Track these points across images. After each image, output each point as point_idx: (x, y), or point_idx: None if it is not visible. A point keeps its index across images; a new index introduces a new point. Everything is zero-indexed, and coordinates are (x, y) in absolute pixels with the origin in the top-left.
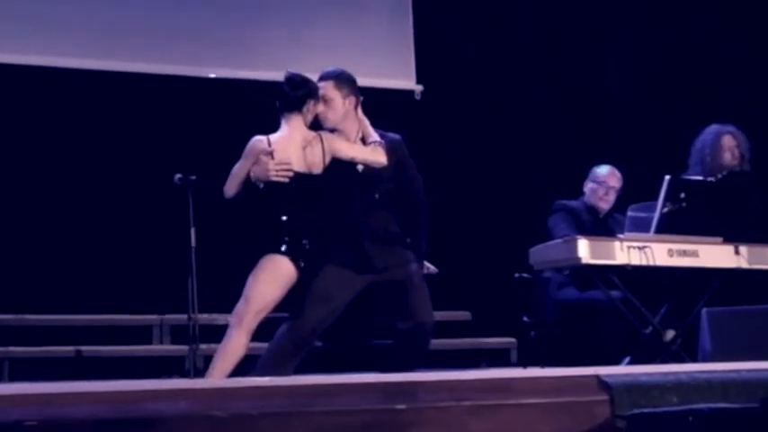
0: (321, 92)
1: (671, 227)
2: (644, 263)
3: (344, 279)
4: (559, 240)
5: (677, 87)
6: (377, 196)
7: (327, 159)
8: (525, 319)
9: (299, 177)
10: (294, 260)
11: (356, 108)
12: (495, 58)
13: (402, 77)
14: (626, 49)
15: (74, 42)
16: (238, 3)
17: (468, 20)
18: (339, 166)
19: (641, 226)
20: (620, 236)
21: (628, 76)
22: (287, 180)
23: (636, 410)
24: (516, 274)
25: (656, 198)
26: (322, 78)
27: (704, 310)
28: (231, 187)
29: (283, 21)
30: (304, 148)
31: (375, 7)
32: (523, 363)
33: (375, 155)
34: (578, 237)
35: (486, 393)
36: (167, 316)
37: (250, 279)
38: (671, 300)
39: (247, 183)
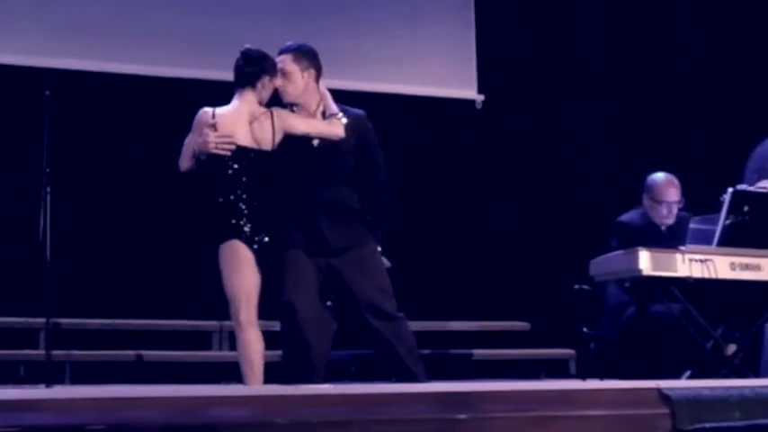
0: (279, 66)
1: (734, 239)
2: (706, 275)
3: (305, 261)
4: (620, 252)
5: (739, 95)
6: (334, 171)
7: (278, 136)
8: (585, 330)
9: (245, 152)
10: (247, 243)
11: (317, 81)
12: (557, 68)
13: (463, 87)
14: (689, 58)
15: (121, 47)
16: (299, 12)
17: (530, 30)
18: (294, 142)
19: (704, 238)
20: (682, 248)
21: (689, 85)
22: (228, 153)
23: (697, 425)
24: (576, 286)
25: (717, 209)
26: (281, 52)
27: (767, 325)
28: (183, 161)
29: (346, 31)
30: (251, 122)
31: (437, 17)
32: (582, 374)
33: (331, 128)
34: (639, 248)
35: (547, 404)
36: (227, 322)
37: (223, 279)
38: (733, 313)
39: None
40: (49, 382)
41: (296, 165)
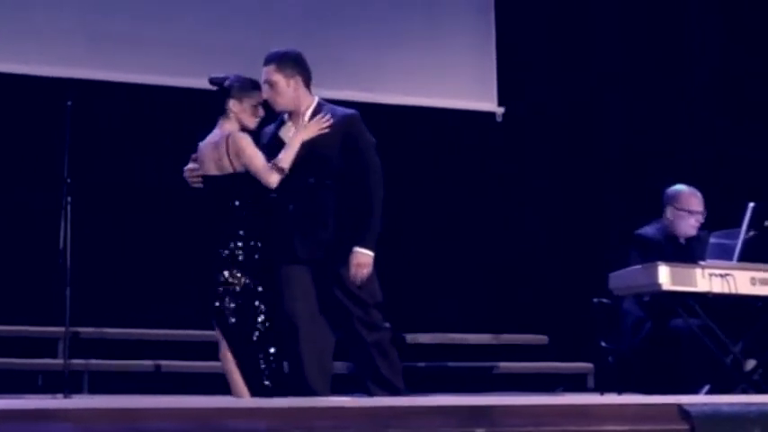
0: (264, 77)
1: (754, 254)
2: (725, 290)
3: (291, 275)
4: (639, 267)
5: (760, 110)
6: (311, 181)
7: (236, 160)
8: (603, 344)
9: (209, 180)
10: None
11: (307, 85)
12: (578, 80)
13: (484, 99)
14: (710, 70)
15: (158, 60)
16: (321, 24)
17: (551, 42)
18: (278, 150)
19: (724, 253)
20: (702, 262)
21: (711, 99)
22: (199, 185)
23: None
24: (595, 299)
25: (737, 224)
26: (265, 63)
27: None
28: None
29: (366, 43)
30: (215, 150)
31: (457, 29)
32: (600, 388)
33: (266, 174)
34: (659, 263)
35: (566, 419)
36: None
37: None
38: (752, 329)
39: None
40: (68, 391)
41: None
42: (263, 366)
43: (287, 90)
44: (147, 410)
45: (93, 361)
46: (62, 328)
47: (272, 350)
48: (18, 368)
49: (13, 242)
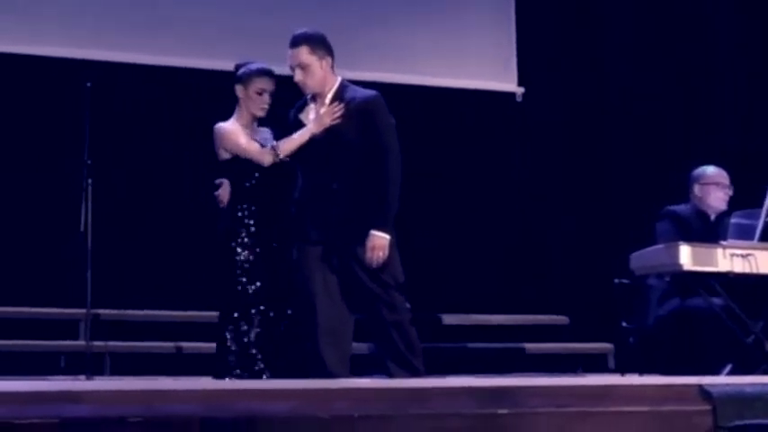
0: (296, 60)
1: None
2: (747, 270)
3: (308, 257)
4: (661, 246)
5: None
6: (335, 161)
7: (222, 151)
8: (624, 324)
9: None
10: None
11: (332, 67)
12: (597, 60)
13: (504, 80)
14: (730, 54)
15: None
16: (339, 5)
17: (570, 21)
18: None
19: (745, 233)
20: (723, 243)
21: (732, 80)
22: None
23: (738, 422)
24: (616, 280)
25: (760, 204)
26: (294, 45)
27: None
28: None
29: (385, 23)
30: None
31: (477, 10)
32: (621, 369)
33: (260, 154)
34: (680, 243)
35: (587, 400)
36: None
37: None
38: None
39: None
40: (90, 373)
41: (301, 160)
42: (228, 344)
43: (319, 72)
44: (168, 392)
45: (115, 343)
46: (83, 310)
47: (246, 329)
48: (41, 350)
49: (34, 225)
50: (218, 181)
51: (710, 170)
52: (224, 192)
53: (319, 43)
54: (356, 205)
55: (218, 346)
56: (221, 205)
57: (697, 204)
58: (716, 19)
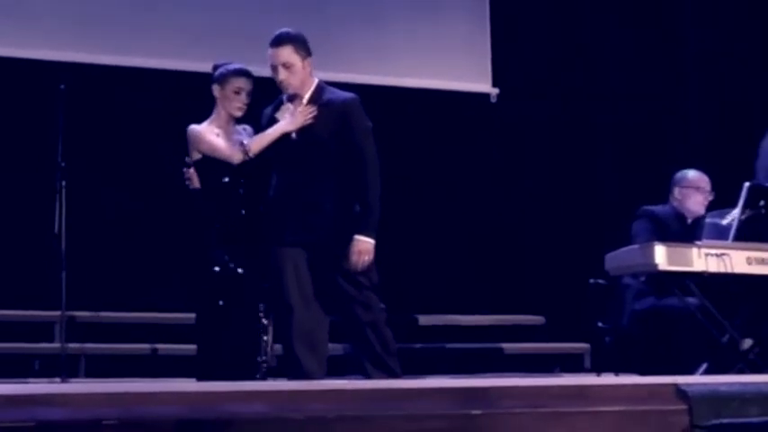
0: (280, 59)
1: (750, 234)
2: (722, 270)
3: (283, 258)
4: (636, 246)
5: (754, 93)
6: (312, 162)
7: (194, 151)
8: (600, 324)
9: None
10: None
11: (311, 69)
12: (572, 61)
13: (478, 81)
14: (705, 59)
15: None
16: (315, 6)
17: (545, 22)
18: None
19: (720, 233)
20: (698, 243)
21: (705, 83)
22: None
23: (714, 421)
24: (591, 280)
25: (734, 204)
26: (276, 44)
27: None
28: None
29: (360, 25)
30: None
31: (451, 11)
32: (597, 368)
33: (231, 152)
34: (655, 243)
35: (562, 400)
36: None
37: None
38: (749, 308)
39: None
40: (65, 375)
41: (275, 159)
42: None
43: (301, 72)
44: (144, 394)
45: (90, 345)
46: (58, 312)
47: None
48: (15, 352)
49: (7, 227)
50: (188, 159)
51: (692, 174)
52: (193, 173)
53: (302, 44)
54: (334, 208)
55: (201, 347)
56: (191, 186)
57: (676, 207)
58: (684, 21)
